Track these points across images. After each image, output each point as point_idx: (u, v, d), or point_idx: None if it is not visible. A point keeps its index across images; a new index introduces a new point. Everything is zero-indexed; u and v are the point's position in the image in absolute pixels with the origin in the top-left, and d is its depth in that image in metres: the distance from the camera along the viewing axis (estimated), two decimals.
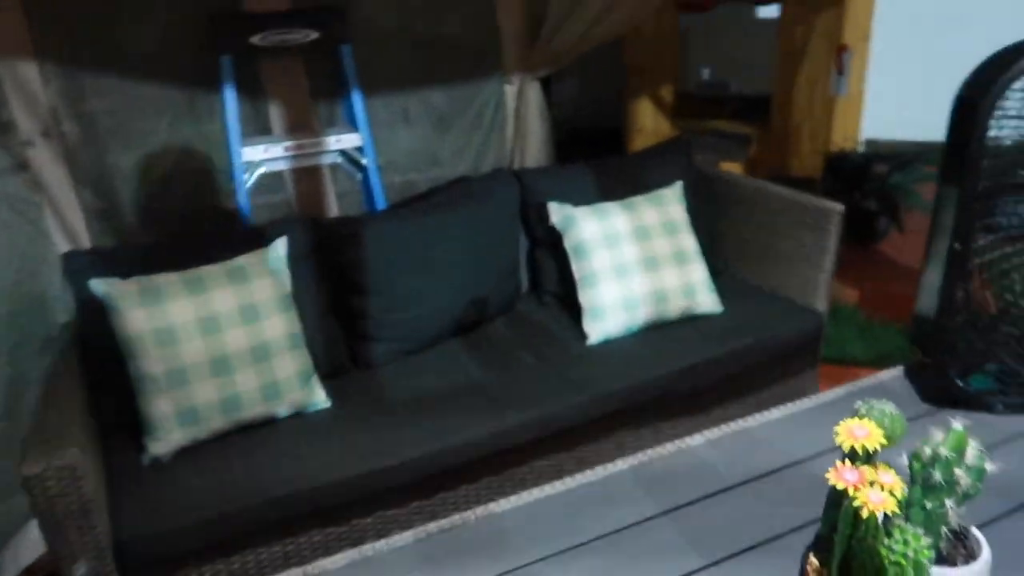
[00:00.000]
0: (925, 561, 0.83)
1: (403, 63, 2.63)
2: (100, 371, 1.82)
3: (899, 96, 4.78)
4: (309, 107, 2.54)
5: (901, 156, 3.92)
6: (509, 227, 2.33)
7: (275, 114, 2.49)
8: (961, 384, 1.41)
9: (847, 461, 0.83)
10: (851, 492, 0.79)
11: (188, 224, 2.38)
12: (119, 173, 2.30)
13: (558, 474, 1.89)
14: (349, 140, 2.43)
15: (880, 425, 0.84)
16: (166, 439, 1.71)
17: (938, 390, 1.42)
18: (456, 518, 1.18)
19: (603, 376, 2.00)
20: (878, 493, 0.80)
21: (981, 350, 1.44)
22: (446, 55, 2.66)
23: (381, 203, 2.49)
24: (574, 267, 2.20)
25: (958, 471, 0.90)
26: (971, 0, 4.88)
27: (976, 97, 1.30)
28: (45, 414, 1.54)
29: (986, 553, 0.96)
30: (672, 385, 2.05)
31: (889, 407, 0.89)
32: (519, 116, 2.73)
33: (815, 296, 2.24)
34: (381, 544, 1.15)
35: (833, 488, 0.87)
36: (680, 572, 1.08)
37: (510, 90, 2.74)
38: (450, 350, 2.16)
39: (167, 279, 1.75)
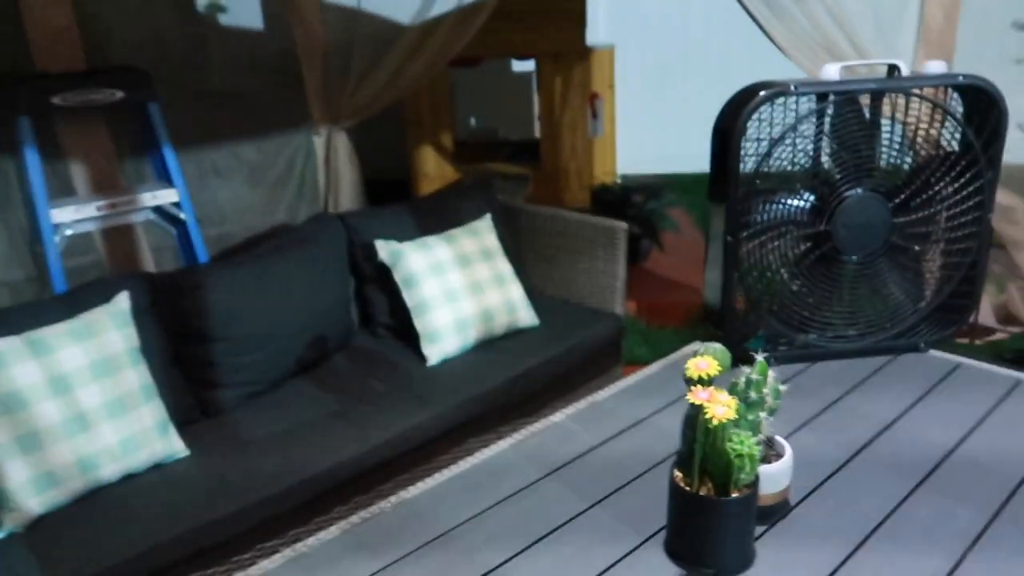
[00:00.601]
0: (756, 454, 1.14)
1: (209, 119, 2.69)
2: None
3: (641, 137, 5.56)
4: (114, 165, 2.51)
5: (652, 187, 4.57)
6: (338, 267, 2.47)
7: (78, 174, 2.43)
8: (744, 347, 1.81)
9: (696, 388, 1.12)
10: (705, 407, 1.08)
11: None
12: None
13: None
14: (165, 196, 2.45)
15: (715, 358, 1.14)
16: (21, 509, 1.64)
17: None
18: (375, 508, 1.33)
19: (449, 391, 2.20)
20: (721, 407, 1.10)
21: (754, 321, 1.86)
22: (253, 110, 2.76)
23: (203, 256, 2.52)
24: (406, 297, 2.39)
25: (765, 390, 1.23)
26: (686, 56, 5.83)
27: (728, 127, 1.72)
28: None
29: (788, 453, 1.31)
30: (507, 392, 2.30)
31: (718, 346, 1.20)
32: (329, 165, 2.89)
33: (613, 302, 2.63)
34: (312, 540, 1.26)
35: (689, 412, 1.16)
36: (570, 515, 1.32)
37: (318, 140, 2.89)
38: (298, 387, 2.24)
39: (7, 343, 1.68)
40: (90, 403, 1.73)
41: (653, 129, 5.72)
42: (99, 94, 2.33)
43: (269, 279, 2.23)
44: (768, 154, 1.79)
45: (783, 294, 1.85)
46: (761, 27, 2.60)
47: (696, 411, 1.13)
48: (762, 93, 1.75)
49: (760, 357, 1.25)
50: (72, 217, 2.30)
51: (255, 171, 2.81)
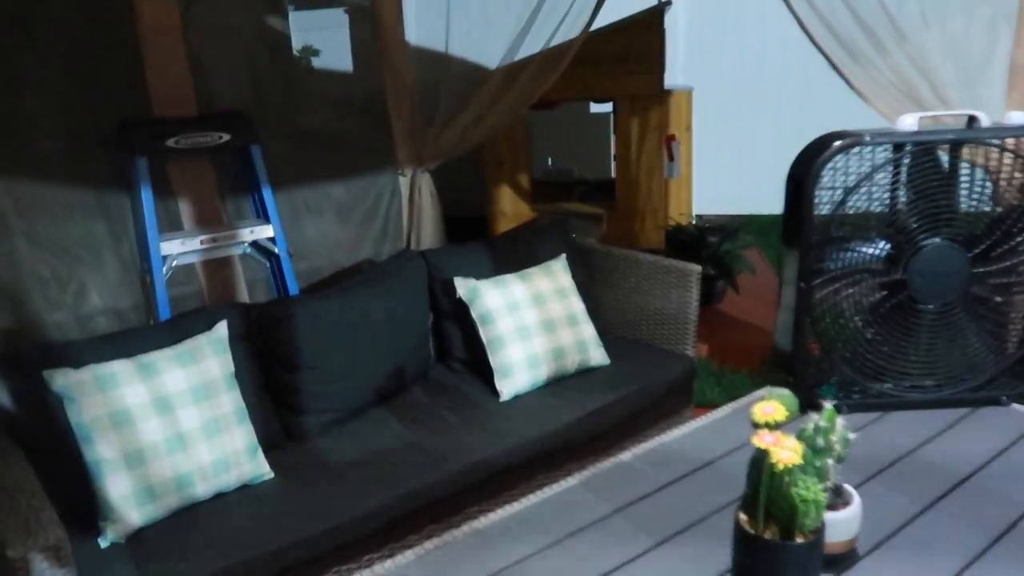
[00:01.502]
0: (822, 500, 1.16)
1: (302, 159, 2.86)
2: (43, 462, 1.84)
3: (717, 178, 5.57)
4: (216, 201, 2.70)
5: (727, 228, 4.56)
6: (419, 302, 2.58)
7: (185, 210, 2.62)
8: (814, 393, 1.82)
9: (762, 431, 1.15)
10: (770, 451, 1.11)
11: (106, 319, 2.44)
12: (32, 275, 2.34)
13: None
14: (262, 231, 2.62)
15: (782, 403, 1.17)
16: (124, 521, 1.77)
17: (799, 400, 1.81)
18: (447, 535, 1.39)
19: (520, 426, 2.26)
20: (787, 452, 1.12)
21: (826, 368, 1.86)
22: (343, 152, 2.92)
23: (294, 288, 2.67)
24: (482, 333, 2.47)
25: (832, 437, 1.25)
26: (764, 98, 5.82)
27: (803, 175, 1.75)
28: (13, 502, 1.58)
29: (856, 501, 1.32)
30: (577, 430, 2.34)
31: (785, 391, 1.23)
32: (413, 204, 3.02)
33: (685, 344, 2.65)
34: (388, 564, 1.33)
35: (755, 455, 1.18)
36: (637, 552, 1.35)
37: (403, 181, 3.03)
38: (376, 417, 2.34)
39: (120, 366, 1.84)
40: (189, 424, 1.87)
41: (729, 170, 5.72)
42: (207, 137, 2.52)
43: (354, 312, 2.35)
44: (843, 202, 1.81)
45: (857, 342, 1.85)
46: (840, 73, 2.61)
47: (762, 455, 1.16)
48: (836, 143, 1.77)
49: (828, 404, 1.27)
50: (179, 249, 2.49)
51: (343, 209, 2.96)
